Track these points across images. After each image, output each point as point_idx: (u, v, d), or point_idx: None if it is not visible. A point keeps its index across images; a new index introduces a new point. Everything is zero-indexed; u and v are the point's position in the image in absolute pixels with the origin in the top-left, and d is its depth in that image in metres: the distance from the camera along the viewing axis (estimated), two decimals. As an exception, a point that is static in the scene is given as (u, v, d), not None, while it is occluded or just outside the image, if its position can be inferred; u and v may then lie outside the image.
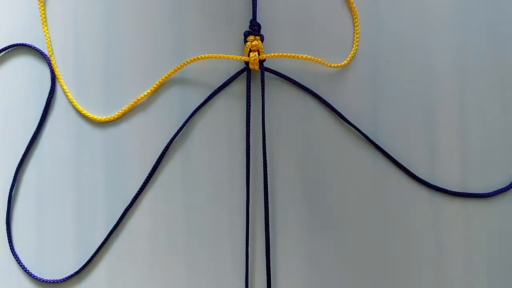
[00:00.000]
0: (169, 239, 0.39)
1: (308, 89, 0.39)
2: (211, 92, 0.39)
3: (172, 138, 0.38)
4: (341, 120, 0.39)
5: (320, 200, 0.39)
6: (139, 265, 0.39)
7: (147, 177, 0.39)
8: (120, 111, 0.39)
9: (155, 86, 0.39)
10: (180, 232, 0.39)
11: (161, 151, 0.39)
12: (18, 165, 0.39)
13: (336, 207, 0.39)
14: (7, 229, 0.39)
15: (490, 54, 0.40)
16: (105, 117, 0.39)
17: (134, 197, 0.39)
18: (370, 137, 0.39)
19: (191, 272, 0.39)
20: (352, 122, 0.39)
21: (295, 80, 0.39)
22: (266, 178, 0.38)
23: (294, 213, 0.39)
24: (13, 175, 0.39)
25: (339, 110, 0.39)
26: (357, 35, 0.40)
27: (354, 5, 0.40)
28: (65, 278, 0.38)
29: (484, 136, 0.40)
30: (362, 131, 0.39)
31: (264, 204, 0.38)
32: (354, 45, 0.40)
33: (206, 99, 0.39)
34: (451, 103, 0.40)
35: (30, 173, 0.39)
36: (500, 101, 0.40)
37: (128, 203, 0.39)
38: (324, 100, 0.39)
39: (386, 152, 0.39)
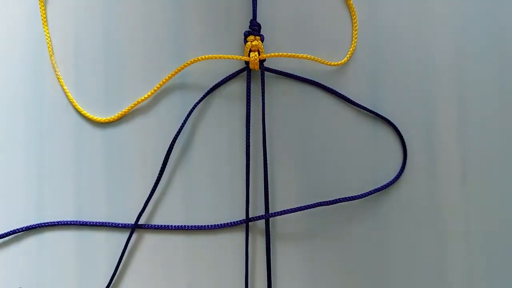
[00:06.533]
0: (169, 238, 0.39)
1: (312, 80, 0.39)
2: (211, 92, 0.39)
3: (176, 135, 0.38)
4: (343, 117, 0.39)
5: (322, 199, 0.39)
6: (139, 266, 0.39)
7: (157, 178, 0.38)
8: (121, 112, 0.39)
9: (155, 88, 0.39)
10: (180, 231, 0.39)
11: (163, 150, 0.39)
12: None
13: (338, 206, 0.39)
14: None
15: (490, 52, 0.40)
16: (105, 118, 0.39)
17: (147, 200, 0.38)
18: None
19: (191, 271, 0.39)
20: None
21: (296, 75, 0.39)
22: (267, 177, 0.38)
23: (295, 213, 0.39)
24: (12, 174, 0.39)
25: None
26: (356, 32, 0.40)
27: (351, 1, 0.40)
28: None
29: (484, 135, 0.40)
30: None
31: (265, 203, 0.39)
32: (353, 42, 0.40)
33: (206, 93, 0.39)
34: (451, 102, 0.40)
35: (30, 172, 0.39)
36: (500, 100, 0.40)
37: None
38: (330, 89, 0.39)
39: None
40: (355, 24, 0.40)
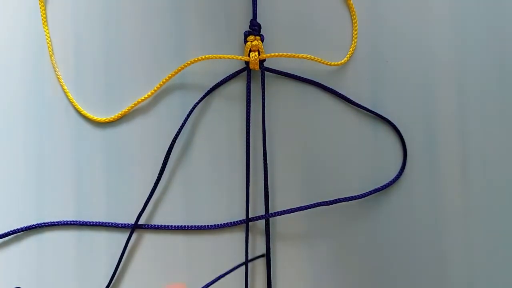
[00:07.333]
0: (169, 238, 0.39)
1: (312, 80, 0.39)
2: (211, 92, 0.39)
3: (176, 135, 0.38)
4: (343, 117, 0.39)
5: (322, 199, 0.39)
6: (139, 266, 0.39)
7: (157, 178, 0.38)
8: (121, 112, 0.39)
9: (155, 89, 0.39)
10: (180, 231, 0.39)
11: (163, 150, 0.39)
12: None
13: (338, 206, 0.39)
14: None
15: (490, 52, 0.40)
16: (105, 118, 0.39)
17: (147, 200, 0.38)
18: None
19: (191, 271, 0.39)
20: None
21: (296, 75, 0.39)
22: (267, 177, 0.38)
23: (295, 213, 0.39)
24: (12, 174, 0.39)
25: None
26: (356, 32, 0.40)
27: (351, 2, 0.40)
28: None
29: (484, 135, 0.40)
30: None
31: (265, 203, 0.39)
32: (353, 42, 0.40)
33: (206, 93, 0.39)
34: (451, 102, 0.40)
35: (30, 172, 0.39)
36: (500, 100, 0.40)
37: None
38: (330, 89, 0.39)
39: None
40: (355, 24, 0.40)
